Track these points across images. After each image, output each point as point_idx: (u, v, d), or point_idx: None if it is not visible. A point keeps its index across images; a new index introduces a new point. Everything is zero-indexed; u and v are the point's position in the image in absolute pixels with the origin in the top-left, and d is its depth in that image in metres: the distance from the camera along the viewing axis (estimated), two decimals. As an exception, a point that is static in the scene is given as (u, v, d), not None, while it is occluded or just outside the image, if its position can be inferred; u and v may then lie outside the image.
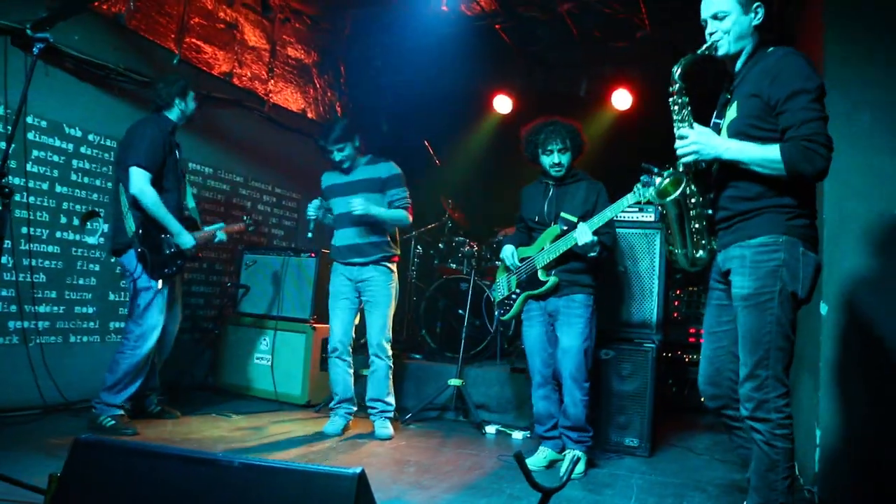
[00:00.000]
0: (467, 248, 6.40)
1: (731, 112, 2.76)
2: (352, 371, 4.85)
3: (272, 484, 1.98)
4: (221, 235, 4.89)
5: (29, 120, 4.62)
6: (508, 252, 4.39)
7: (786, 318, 2.57)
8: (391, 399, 4.81)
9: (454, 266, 6.48)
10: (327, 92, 7.57)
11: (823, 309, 3.62)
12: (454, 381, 5.29)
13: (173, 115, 4.59)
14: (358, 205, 4.54)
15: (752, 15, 2.73)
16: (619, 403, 4.69)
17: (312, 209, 4.76)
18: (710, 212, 2.85)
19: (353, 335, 4.87)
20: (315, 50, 7.36)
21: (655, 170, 3.05)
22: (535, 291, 4.24)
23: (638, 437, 4.62)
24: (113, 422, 4.26)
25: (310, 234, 4.78)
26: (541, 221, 4.30)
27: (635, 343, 4.72)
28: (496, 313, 4.54)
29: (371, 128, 8.07)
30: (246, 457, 2.05)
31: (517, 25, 6.91)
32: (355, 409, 4.88)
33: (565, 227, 4.12)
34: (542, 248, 4.20)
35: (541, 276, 4.19)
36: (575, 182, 4.30)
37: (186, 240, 4.49)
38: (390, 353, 4.81)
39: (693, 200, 2.82)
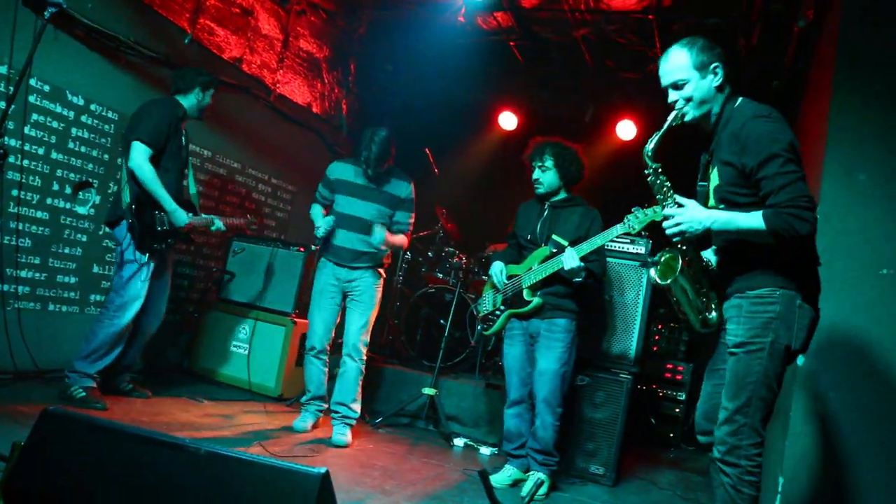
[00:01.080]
0: (456, 259, 6.41)
1: (714, 177, 2.79)
2: (327, 370, 4.83)
3: (236, 475, 1.98)
4: (219, 224, 4.92)
5: (32, 82, 4.59)
6: (497, 269, 4.41)
7: (773, 371, 2.60)
8: (357, 407, 4.72)
9: (441, 276, 6.49)
10: (335, 89, 7.58)
11: (800, 360, 3.64)
12: (428, 391, 5.29)
13: (187, 102, 4.67)
14: (378, 241, 4.58)
15: (712, 76, 2.73)
16: (589, 430, 4.71)
17: (325, 229, 4.67)
18: (708, 275, 2.87)
19: (333, 334, 4.86)
20: (327, 45, 7.37)
21: (650, 259, 3.06)
22: (519, 311, 4.26)
23: (604, 466, 4.63)
24: (83, 393, 4.24)
25: (313, 247, 4.85)
26: (532, 240, 4.33)
27: (612, 372, 4.74)
28: (479, 327, 4.55)
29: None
30: (213, 445, 2.05)
31: (531, 44, 6.95)
32: (325, 407, 4.85)
33: (554, 250, 4.14)
34: (531, 268, 4.22)
35: (526, 295, 4.21)
36: (571, 206, 4.33)
37: (180, 217, 4.50)
38: (365, 356, 4.78)
39: (693, 269, 2.82)
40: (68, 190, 4.88)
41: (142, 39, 5.20)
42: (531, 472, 4.21)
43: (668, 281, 2.80)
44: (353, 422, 4.71)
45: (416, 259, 6.89)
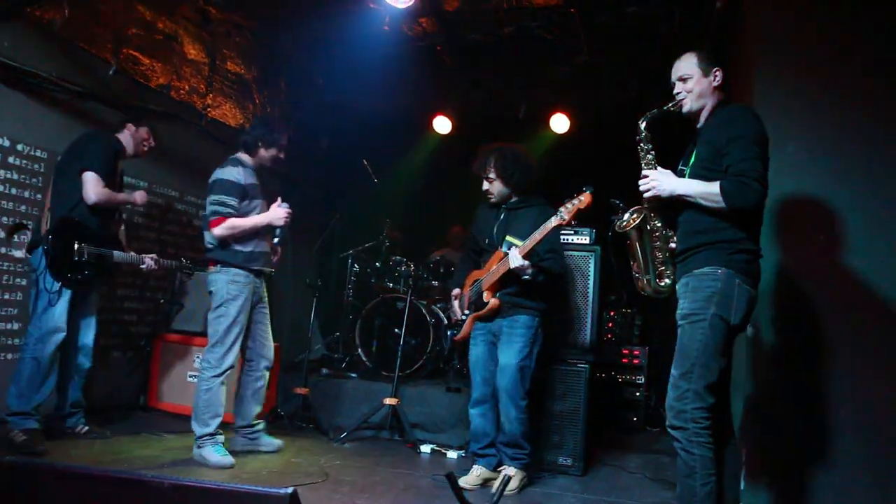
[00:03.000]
0: (404, 267, 6.42)
1: (692, 159, 3.14)
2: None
3: (202, 505, 1.96)
4: (150, 263, 4.88)
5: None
6: (456, 295, 4.62)
7: (713, 340, 2.87)
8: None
9: (391, 285, 6.49)
10: (267, 108, 7.51)
11: (749, 331, 3.75)
12: (389, 400, 5.29)
13: (123, 138, 4.82)
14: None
15: (712, 77, 3.12)
16: (553, 423, 4.75)
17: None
18: (673, 245, 3.17)
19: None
20: (256, 65, 7.30)
21: (620, 204, 3.35)
22: (480, 312, 4.33)
23: (571, 457, 4.68)
24: (24, 437, 4.14)
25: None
26: (490, 244, 4.41)
27: (569, 363, 4.80)
28: (449, 333, 4.61)
29: (311, 144, 8.05)
30: (176, 477, 2.02)
31: (458, 47, 6.98)
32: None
33: (507, 251, 4.18)
34: (489, 271, 4.28)
35: (485, 297, 4.27)
36: (526, 207, 4.38)
37: (140, 197, 4.88)
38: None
39: (657, 234, 3.19)
40: (1, 234, 4.75)
41: (65, 74, 5.09)
42: (502, 468, 4.25)
43: (627, 229, 3.18)
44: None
45: (364, 270, 6.87)
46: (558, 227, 3.97)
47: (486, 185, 4.40)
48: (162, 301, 6.11)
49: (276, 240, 4.65)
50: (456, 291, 4.63)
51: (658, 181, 3.05)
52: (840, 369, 3.61)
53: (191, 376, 5.66)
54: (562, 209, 3.91)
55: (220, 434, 4.38)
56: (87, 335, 4.68)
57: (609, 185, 3.74)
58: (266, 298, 4.74)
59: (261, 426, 4.75)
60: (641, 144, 3.19)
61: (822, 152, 3.83)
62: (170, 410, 5.67)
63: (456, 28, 6.67)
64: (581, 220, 4.11)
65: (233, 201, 4.44)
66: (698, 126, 3.20)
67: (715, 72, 3.11)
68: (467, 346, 4.51)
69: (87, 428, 4.67)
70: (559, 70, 7.24)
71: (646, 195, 3.10)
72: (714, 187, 2.86)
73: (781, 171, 3.75)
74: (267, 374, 4.74)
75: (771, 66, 3.99)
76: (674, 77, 3.19)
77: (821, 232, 3.77)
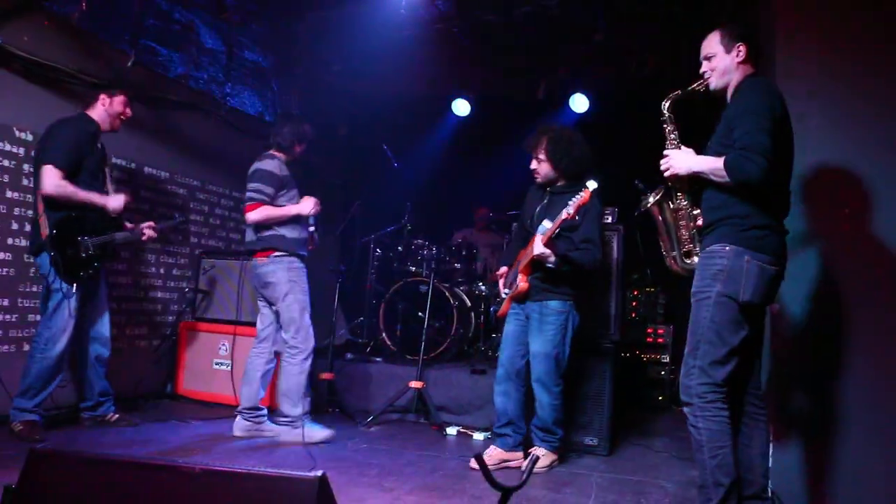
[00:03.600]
0: (426, 250, 6.42)
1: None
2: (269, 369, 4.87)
3: (233, 489, 1.98)
4: (148, 232, 4.84)
5: (-25, 125, 4.53)
6: (501, 272, 4.61)
7: (719, 318, 2.87)
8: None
9: (413, 268, 6.50)
10: (284, 95, 7.53)
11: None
12: (415, 384, 5.31)
13: (96, 114, 4.64)
14: None
15: (734, 53, 3.08)
16: (579, 403, 4.75)
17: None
18: (700, 223, 3.15)
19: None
20: (272, 53, 7.31)
21: (641, 185, 3.44)
22: (512, 293, 4.34)
23: (597, 437, 4.68)
24: (21, 427, 4.19)
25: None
26: (531, 226, 4.38)
27: (594, 343, 4.78)
28: (492, 309, 4.68)
29: (329, 131, 8.05)
30: (206, 462, 2.04)
31: (475, 29, 6.94)
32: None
33: (541, 236, 4.16)
34: (525, 253, 4.26)
35: (519, 279, 4.27)
36: (570, 193, 4.29)
37: (114, 202, 4.54)
38: (292, 348, 4.69)
39: (681, 212, 3.19)
40: (27, 227, 4.80)
41: (84, 67, 5.11)
42: (532, 449, 4.27)
43: (654, 203, 3.20)
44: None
45: (386, 255, 6.88)
46: (567, 220, 3.96)
47: (534, 165, 4.37)
48: (186, 290, 6.16)
49: (311, 228, 4.84)
50: (501, 270, 4.61)
51: (675, 160, 3.07)
52: (867, 342, 3.56)
53: (216, 363, 5.72)
54: (569, 203, 3.91)
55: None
56: (103, 325, 4.69)
57: (630, 163, 3.72)
58: None
59: (264, 411, 4.80)
60: (665, 125, 3.20)
61: (846, 124, 3.76)
62: (196, 398, 5.75)
63: (472, 9, 6.63)
64: (604, 200, 4.07)
65: (269, 189, 4.63)
66: (726, 102, 3.18)
67: (738, 47, 3.07)
68: (473, 327, 4.55)
69: (117, 416, 4.73)
70: (577, 49, 7.17)
71: (665, 174, 3.13)
72: (720, 162, 2.87)
73: (805, 145, 3.68)
74: (276, 359, 4.82)
75: (792, 37, 3.92)
76: (701, 57, 3.19)
77: (847, 205, 3.71)
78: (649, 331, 6.43)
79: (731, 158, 2.82)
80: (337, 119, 8.19)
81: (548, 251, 4.05)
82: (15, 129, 4.73)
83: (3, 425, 4.31)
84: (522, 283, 4.24)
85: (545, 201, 4.39)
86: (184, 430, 4.78)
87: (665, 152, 3.14)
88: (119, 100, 4.71)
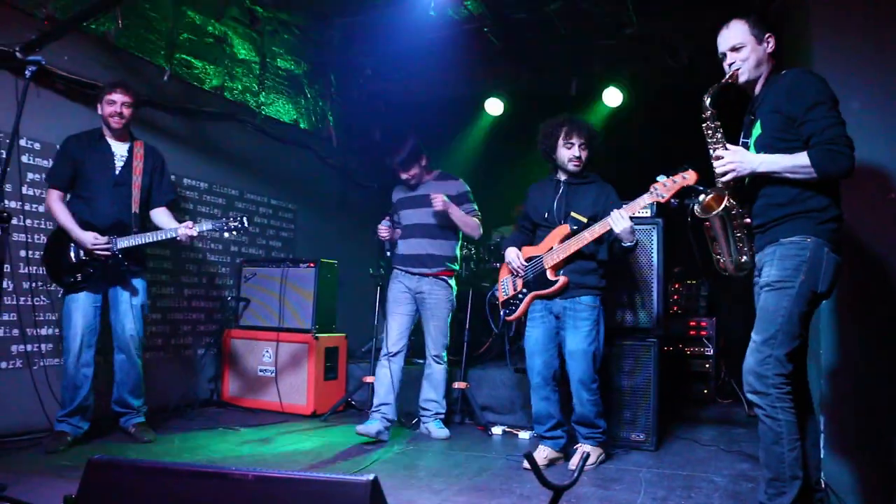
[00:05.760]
0: (465, 250, 6.42)
1: (756, 130, 3.03)
2: (399, 377, 4.95)
3: (286, 495, 1.99)
4: (185, 233, 4.52)
5: (22, 143, 4.63)
6: (513, 253, 4.38)
7: (799, 309, 2.83)
8: (444, 402, 5.14)
9: (453, 269, 6.48)
10: (318, 101, 7.58)
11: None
12: (459, 384, 5.32)
13: None
14: (440, 201, 4.81)
15: (766, 44, 3.04)
16: (624, 399, 4.71)
17: (382, 232, 5.03)
18: (748, 220, 3.09)
19: (408, 341, 5.04)
20: (305, 60, 7.37)
21: (701, 188, 3.27)
22: (545, 291, 4.24)
23: (644, 432, 4.64)
24: (47, 436, 4.30)
25: (388, 253, 5.11)
26: (549, 220, 4.30)
27: (637, 338, 4.74)
28: (501, 313, 4.51)
29: (363, 136, 8.09)
30: (259, 469, 2.06)
31: (505, 27, 6.91)
32: (394, 417, 4.93)
33: (576, 227, 4.13)
34: (551, 248, 4.20)
35: (549, 276, 4.20)
36: (587, 183, 4.31)
37: (82, 239, 4.32)
38: (446, 359, 5.08)
39: (734, 212, 3.07)
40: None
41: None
42: (576, 446, 4.25)
43: (711, 214, 3.04)
44: (444, 415, 5.15)
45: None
46: (653, 205, 3.91)
47: (578, 152, 4.23)
48: (229, 298, 6.24)
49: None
50: (515, 263, 4.39)
51: (736, 161, 2.94)
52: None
53: (261, 370, 5.78)
54: (658, 187, 3.78)
55: None
56: (120, 335, 4.54)
57: (664, 156, 3.68)
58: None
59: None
60: (708, 123, 3.08)
61: (890, 107, 3.68)
62: (242, 405, 5.81)
63: (502, 8, 6.61)
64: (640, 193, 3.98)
65: None
66: (755, 94, 3.10)
67: (767, 38, 3.03)
68: (514, 326, 4.48)
69: (135, 428, 4.59)
70: (608, 43, 7.12)
71: (724, 179, 2.99)
72: (802, 159, 2.78)
73: (847, 130, 3.63)
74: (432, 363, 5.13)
75: (832, 16, 3.84)
76: (724, 47, 3.09)
77: (892, 190, 3.63)
78: (692, 324, 6.35)
79: (821, 154, 2.74)
80: (371, 123, 8.23)
81: (632, 224, 3.95)
82: (58, 146, 4.79)
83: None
84: (562, 277, 4.18)
85: (561, 192, 4.30)
86: (231, 437, 4.83)
87: (717, 153, 3.02)
88: (106, 100, 4.51)
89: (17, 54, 4.42)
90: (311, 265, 5.86)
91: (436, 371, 5.07)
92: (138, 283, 4.62)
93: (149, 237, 4.47)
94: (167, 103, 5.69)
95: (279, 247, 7.00)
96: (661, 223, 4.81)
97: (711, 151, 3.06)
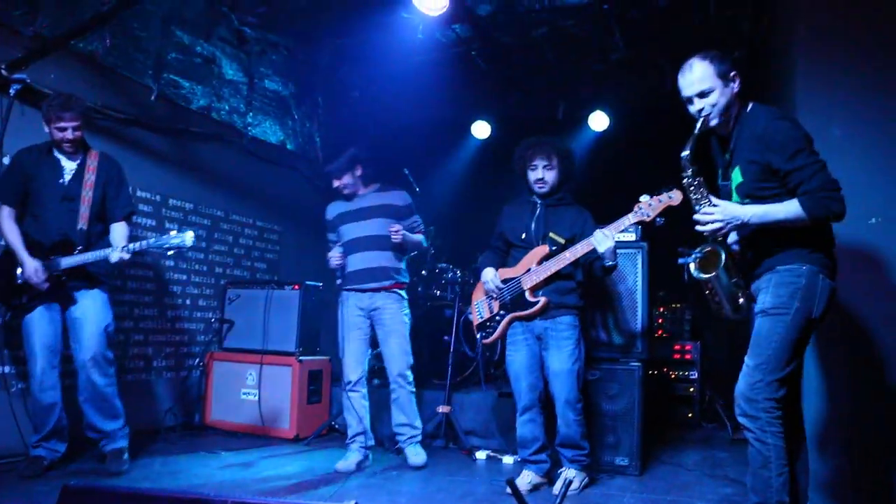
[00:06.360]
0: (451, 273, 6.41)
1: (737, 176, 3.03)
2: (367, 403, 4.83)
3: (265, 522, 1.97)
4: (118, 256, 4.14)
5: (6, 161, 4.59)
6: (490, 274, 4.35)
7: (793, 336, 2.85)
8: (419, 423, 4.87)
9: (438, 293, 6.49)
10: (305, 123, 7.59)
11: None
12: (443, 408, 5.28)
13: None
14: (398, 233, 4.67)
15: (733, 84, 3.00)
16: (608, 423, 4.68)
17: (335, 259, 4.78)
18: (739, 266, 3.07)
19: (367, 366, 4.87)
20: (292, 81, 7.39)
21: (693, 252, 3.12)
22: (524, 312, 4.21)
23: (628, 456, 4.61)
24: (21, 461, 4.22)
25: (339, 280, 4.84)
26: (527, 240, 4.28)
27: (621, 362, 4.73)
28: (478, 337, 4.48)
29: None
30: (238, 495, 2.04)
31: (492, 51, 6.96)
32: (372, 442, 4.85)
33: (554, 248, 4.13)
34: (529, 269, 4.19)
35: (528, 297, 4.18)
36: (564, 205, 4.31)
37: (26, 266, 4.11)
38: (412, 379, 4.86)
39: (729, 265, 3.02)
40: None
41: (108, 102, 5.22)
42: (560, 470, 4.22)
43: (710, 275, 2.99)
44: (420, 438, 4.87)
45: (410, 280, 6.87)
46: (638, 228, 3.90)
47: (542, 174, 4.23)
48: (213, 320, 6.20)
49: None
50: (489, 285, 4.35)
51: (725, 219, 2.90)
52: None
53: (244, 393, 5.73)
54: (643, 206, 3.76)
55: None
56: (80, 351, 4.25)
57: (650, 180, 3.69)
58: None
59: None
60: (688, 179, 3.03)
61: (870, 133, 3.71)
62: (225, 428, 5.75)
63: (490, 32, 6.66)
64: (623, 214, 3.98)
65: None
66: (727, 133, 3.09)
67: (733, 76, 3.00)
68: (499, 349, 4.43)
69: (109, 456, 4.34)
70: (595, 68, 7.18)
71: (716, 234, 2.99)
72: (794, 209, 2.78)
73: (828, 156, 3.65)
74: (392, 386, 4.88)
75: (814, 45, 3.87)
76: (689, 92, 3.03)
77: (873, 214, 3.66)
78: (676, 347, 6.36)
79: (812, 203, 2.74)
80: (358, 145, 8.22)
81: (613, 244, 3.90)
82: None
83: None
84: (542, 298, 4.14)
85: (539, 213, 4.29)
86: (212, 461, 4.77)
87: (706, 210, 2.95)
88: (54, 126, 4.22)
89: (2, 72, 4.41)
90: (296, 287, 5.83)
91: (402, 394, 4.80)
92: (94, 299, 4.31)
93: (89, 257, 4.18)
94: (154, 123, 5.69)
95: (264, 269, 6.98)
96: (645, 247, 4.82)
97: (696, 208, 3.02)
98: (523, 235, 4.30)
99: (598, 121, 7.56)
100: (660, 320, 6.61)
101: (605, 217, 4.24)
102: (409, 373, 4.84)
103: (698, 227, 2.99)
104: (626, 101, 7.58)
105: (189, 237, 4.15)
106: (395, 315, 4.80)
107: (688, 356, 6.30)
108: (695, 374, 6.23)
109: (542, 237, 4.23)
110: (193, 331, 6.11)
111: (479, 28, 6.61)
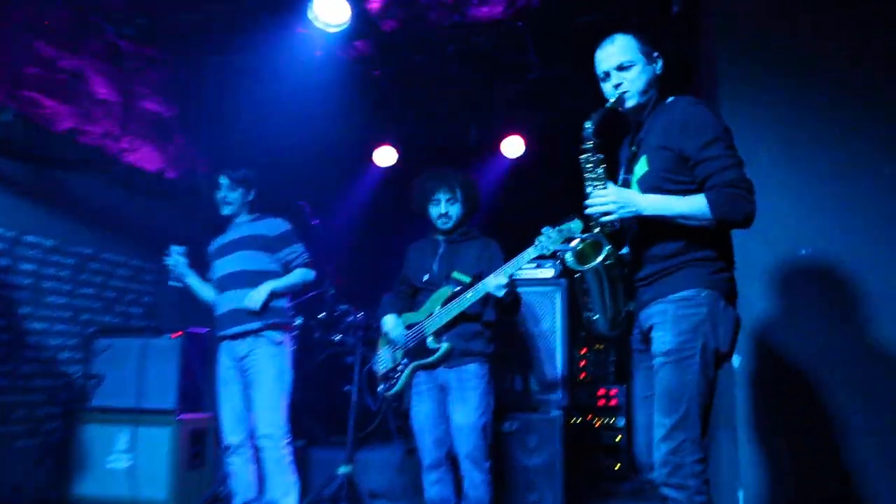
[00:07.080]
0: (352, 316, 6.23)
1: (641, 166, 2.82)
2: (254, 466, 4.45)
3: None
4: None
5: None
6: (391, 321, 4.22)
7: (706, 378, 2.61)
8: (292, 498, 4.38)
9: (338, 337, 6.29)
10: (189, 149, 7.30)
11: (736, 361, 3.63)
12: (344, 469, 5.04)
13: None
14: (251, 301, 4.33)
15: (655, 65, 2.86)
16: (529, 479, 4.61)
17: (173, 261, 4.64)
18: (625, 271, 2.85)
19: (248, 424, 4.46)
20: (175, 102, 7.09)
21: (579, 235, 2.95)
22: (425, 361, 4.08)
23: (551, 516, 4.51)
24: None
25: (171, 282, 4.65)
26: (430, 282, 4.19)
27: (540, 411, 4.66)
28: (379, 388, 4.31)
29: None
30: None
31: (398, 70, 6.87)
32: None
33: (458, 289, 4.02)
34: (431, 313, 4.07)
35: (430, 343, 4.05)
36: (468, 240, 4.25)
37: None
38: (283, 442, 4.38)
39: (609, 262, 2.77)
40: None
41: (-49, 124, 4.84)
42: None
43: (585, 266, 2.76)
44: None
45: (306, 324, 6.65)
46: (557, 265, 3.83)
47: (445, 209, 4.17)
48: (77, 375, 5.78)
49: None
50: (390, 336, 4.26)
51: (618, 202, 2.69)
52: (841, 391, 3.49)
53: (113, 460, 5.35)
54: (543, 239, 3.66)
55: None
56: None
57: (569, 206, 3.61)
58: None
59: None
60: (587, 154, 2.80)
61: (799, 160, 3.75)
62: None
63: (395, 50, 6.57)
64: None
65: None
66: (640, 122, 2.92)
67: (657, 57, 2.86)
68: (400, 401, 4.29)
69: None
70: (510, 88, 7.16)
71: (602, 220, 2.76)
72: (698, 203, 2.59)
73: (757, 184, 3.66)
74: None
75: (737, 69, 3.94)
76: (607, 65, 2.85)
77: (803, 245, 3.68)
78: (601, 392, 6.31)
79: (720, 197, 2.55)
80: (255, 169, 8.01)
81: (507, 280, 3.81)
82: None
83: None
84: (444, 344, 4.02)
85: (441, 252, 4.23)
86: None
87: (599, 192, 2.74)
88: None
89: None
90: (176, 335, 5.52)
91: (268, 458, 4.34)
92: None
93: None
94: (8, 147, 5.30)
95: (140, 314, 6.57)
96: (564, 284, 4.79)
97: (589, 188, 2.79)
98: (426, 277, 4.22)
99: (512, 147, 7.54)
100: (582, 363, 6.55)
101: (520, 251, 4.14)
102: (279, 432, 4.37)
103: (587, 211, 2.77)
104: (542, 125, 7.59)
105: None
106: (263, 362, 4.37)
107: (613, 401, 6.25)
108: (622, 422, 6.17)
109: (445, 277, 4.13)
110: (53, 388, 5.66)
111: (383, 45, 6.52)
